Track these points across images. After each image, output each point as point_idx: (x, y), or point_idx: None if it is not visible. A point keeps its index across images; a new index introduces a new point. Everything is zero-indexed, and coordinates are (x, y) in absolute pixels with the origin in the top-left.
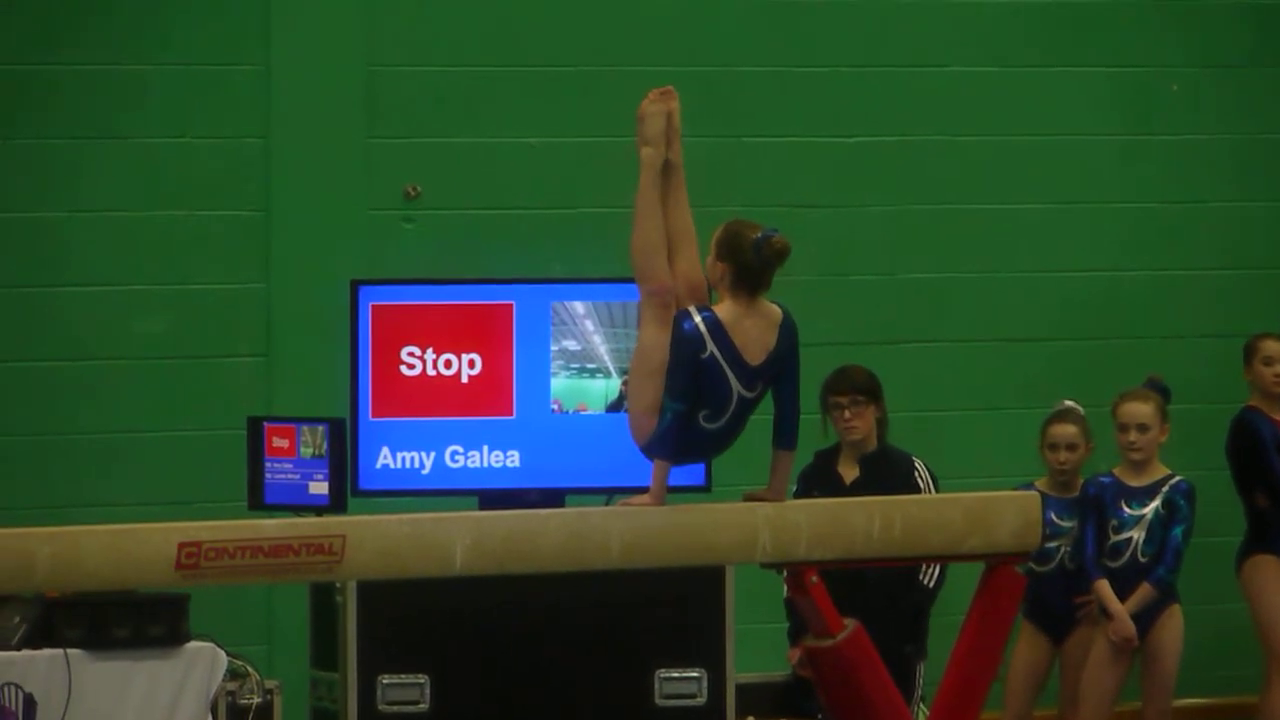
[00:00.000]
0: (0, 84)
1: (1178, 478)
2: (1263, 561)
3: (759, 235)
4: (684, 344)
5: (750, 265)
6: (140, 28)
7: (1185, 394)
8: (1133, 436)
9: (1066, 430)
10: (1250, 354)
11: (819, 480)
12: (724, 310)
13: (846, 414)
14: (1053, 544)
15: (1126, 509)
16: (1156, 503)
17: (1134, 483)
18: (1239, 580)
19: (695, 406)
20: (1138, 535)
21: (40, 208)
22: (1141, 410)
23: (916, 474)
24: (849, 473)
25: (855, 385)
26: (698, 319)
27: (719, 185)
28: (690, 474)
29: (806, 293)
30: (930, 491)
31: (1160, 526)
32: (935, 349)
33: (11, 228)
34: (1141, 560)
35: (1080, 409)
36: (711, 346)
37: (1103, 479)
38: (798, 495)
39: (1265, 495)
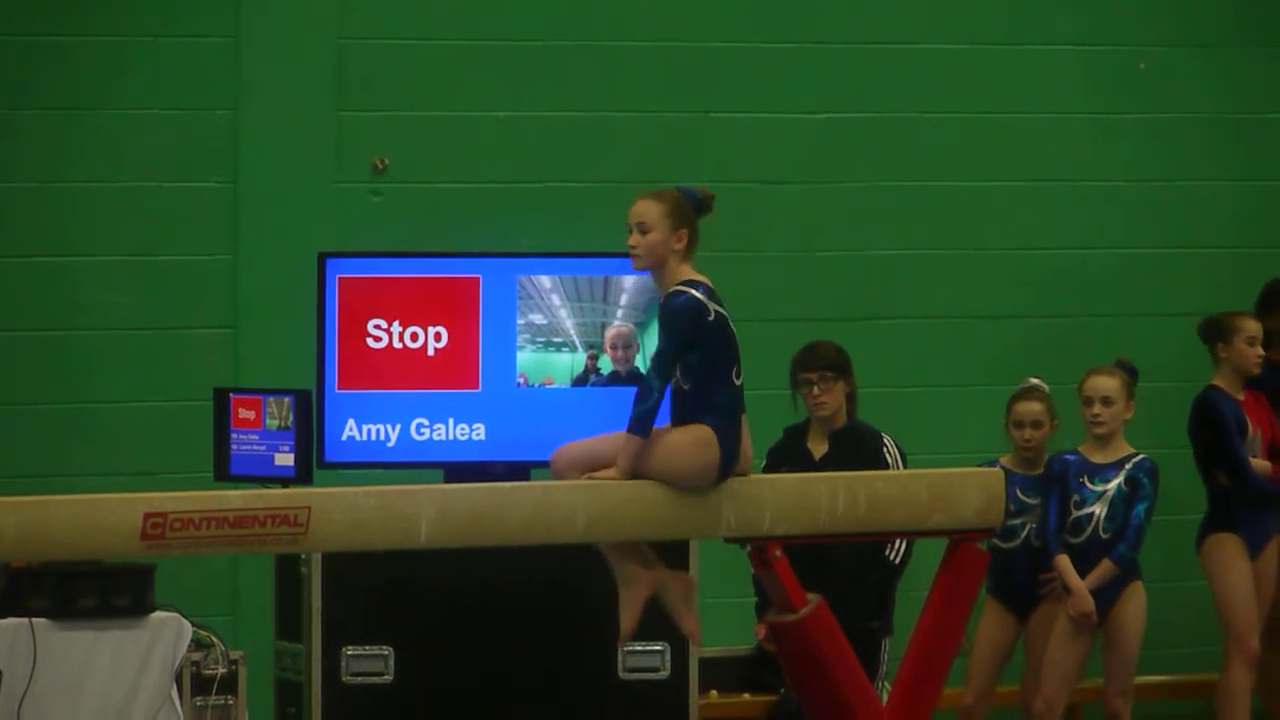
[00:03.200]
0: None
1: (1141, 455)
2: (1223, 540)
3: (696, 194)
4: (684, 315)
5: (697, 226)
6: (112, 3)
7: (1151, 372)
8: (1097, 409)
9: (1032, 408)
10: (1229, 332)
11: (788, 456)
12: (696, 274)
13: (815, 390)
14: (1017, 521)
15: (1089, 485)
16: (1120, 479)
17: (1098, 459)
18: (1199, 558)
19: (725, 369)
20: (1100, 511)
21: (9, 179)
22: (1107, 384)
23: (885, 450)
24: (818, 448)
25: (824, 361)
26: (692, 290)
27: (686, 161)
28: None
29: (775, 269)
30: (898, 467)
31: (1123, 503)
32: (903, 325)
33: (14, 198)
34: (1103, 537)
35: (1046, 387)
36: (714, 308)
37: (1067, 456)
38: (766, 470)
39: (1227, 474)
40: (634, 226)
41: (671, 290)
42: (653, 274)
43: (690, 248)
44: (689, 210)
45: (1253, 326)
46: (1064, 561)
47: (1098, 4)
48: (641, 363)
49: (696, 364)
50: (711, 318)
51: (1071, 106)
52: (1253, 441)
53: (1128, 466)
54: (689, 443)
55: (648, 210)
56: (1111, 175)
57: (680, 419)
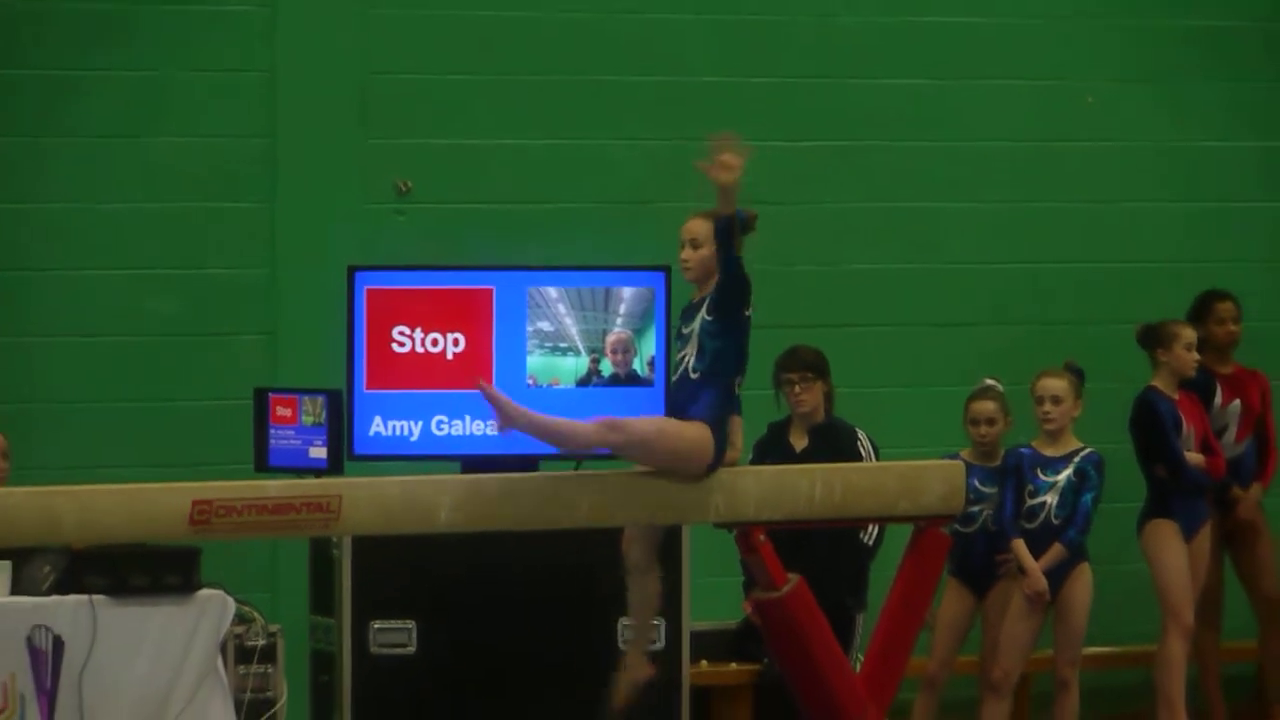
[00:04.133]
0: (36, 90)
1: (1089, 449)
2: (1161, 526)
3: (744, 214)
4: (746, 282)
5: (742, 243)
6: (160, 39)
7: (1094, 374)
8: (1047, 408)
9: (987, 406)
10: (1170, 339)
11: (772, 449)
12: None
13: (796, 389)
14: (976, 508)
15: (1042, 476)
16: (1069, 471)
17: (1049, 452)
18: (1140, 542)
19: (734, 374)
20: (1051, 500)
21: (67, 199)
22: (1056, 385)
23: (860, 444)
24: (799, 442)
25: (804, 363)
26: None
27: (677, 184)
28: None
29: (758, 281)
30: (872, 459)
31: (1072, 493)
32: (874, 332)
33: (49, 217)
34: (1054, 523)
35: (1000, 386)
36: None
37: (1022, 449)
38: (753, 462)
39: (1164, 467)
40: (687, 242)
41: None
42: (698, 287)
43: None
44: (736, 230)
45: (1190, 334)
46: (1020, 545)
47: (1051, 42)
48: (639, 366)
49: (714, 354)
50: (748, 312)
51: (1025, 135)
52: (1187, 437)
53: (1076, 459)
54: (688, 443)
55: (700, 228)
56: (1061, 197)
57: (679, 407)
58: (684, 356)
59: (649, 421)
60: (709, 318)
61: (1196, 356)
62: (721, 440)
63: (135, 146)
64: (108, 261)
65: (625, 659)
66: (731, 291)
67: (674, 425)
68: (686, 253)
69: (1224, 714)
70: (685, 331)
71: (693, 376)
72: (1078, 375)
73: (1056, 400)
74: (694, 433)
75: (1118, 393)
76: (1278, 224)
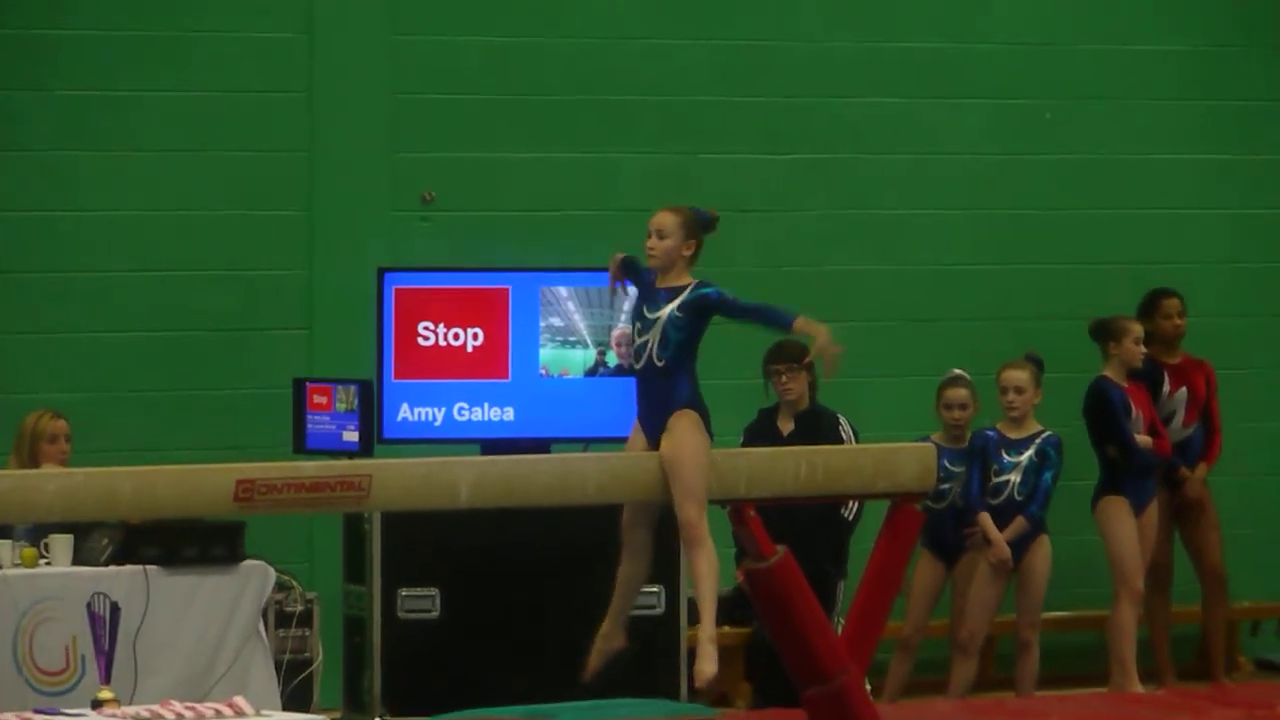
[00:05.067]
0: (103, 108)
1: (1049, 432)
2: (1113, 501)
3: (706, 214)
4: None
5: (703, 240)
6: (210, 63)
7: (1052, 365)
8: (1011, 397)
9: (959, 393)
10: (1121, 333)
11: (761, 433)
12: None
13: (784, 379)
14: (945, 486)
15: (1006, 456)
16: (1031, 452)
17: (1013, 435)
18: (1094, 516)
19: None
20: (1015, 478)
21: (126, 207)
22: (1018, 376)
23: (841, 428)
24: (786, 427)
25: (790, 356)
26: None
27: (677, 193)
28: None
29: (747, 281)
30: (852, 443)
31: (1034, 472)
32: (854, 327)
33: (111, 223)
34: (1017, 499)
35: (968, 376)
36: None
37: (988, 432)
38: (744, 445)
39: (1116, 448)
40: (653, 232)
41: (701, 281)
42: (659, 273)
43: (694, 257)
44: (698, 226)
45: (1138, 329)
46: (986, 519)
47: (1011, 64)
48: None
49: (677, 344)
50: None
51: (989, 149)
52: (1135, 422)
53: (1038, 441)
54: (702, 438)
55: (666, 220)
56: (1021, 205)
57: (659, 399)
58: (647, 342)
59: (689, 491)
60: (679, 314)
61: (1144, 349)
62: (707, 413)
63: (185, 159)
64: (162, 264)
65: (604, 627)
66: (727, 316)
67: (687, 447)
68: (653, 242)
69: (1171, 672)
70: (650, 316)
71: (658, 364)
72: (1037, 365)
73: (1019, 389)
74: (695, 432)
75: (1073, 381)
76: (1218, 228)
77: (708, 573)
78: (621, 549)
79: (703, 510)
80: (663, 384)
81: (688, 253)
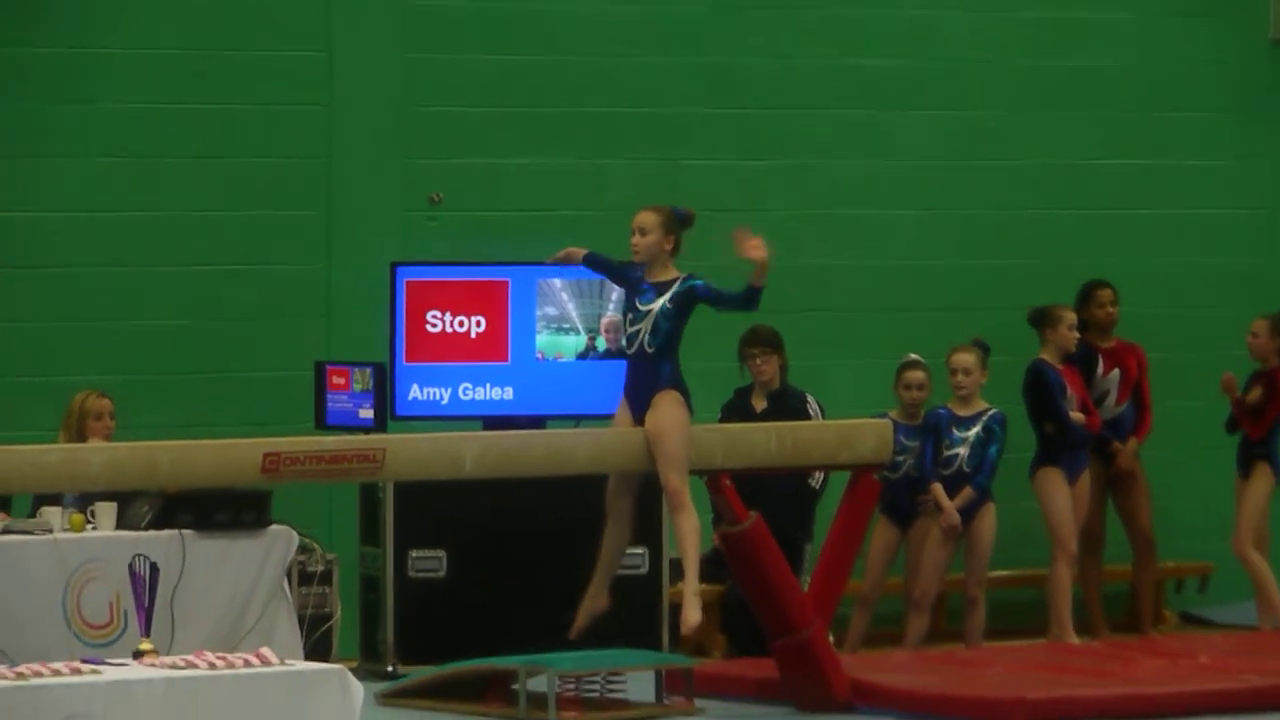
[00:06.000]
0: (144, 119)
1: (995, 410)
2: (1049, 472)
3: (683, 212)
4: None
5: (681, 236)
6: (237, 78)
7: (997, 349)
8: (959, 378)
9: (916, 375)
10: (1055, 321)
11: (736, 410)
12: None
13: (758, 361)
14: (900, 458)
15: (956, 432)
16: (978, 428)
17: (962, 413)
18: (1032, 485)
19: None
20: (963, 452)
21: (162, 209)
22: (965, 359)
23: (809, 406)
24: (759, 404)
25: (764, 339)
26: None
27: (661, 196)
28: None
29: (726, 274)
30: (818, 419)
31: (980, 446)
32: (821, 316)
33: (152, 224)
34: (966, 470)
35: (924, 360)
36: None
37: (940, 410)
38: (721, 421)
39: (1052, 425)
40: (636, 229)
41: (688, 275)
42: (646, 269)
43: (675, 251)
44: (677, 223)
45: (1071, 316)
46: (938, 488)
47: (960, 79)
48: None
49: (667, 334)
50: None
51: (942, 155)
52: (1070, 400)
53: (984, 419)
54: (683, 414)
55: (647, 219)
56: (971, 206)
57: (646, 380)
58: (639, 331)
59: (671, 461)
60: (670, 305)
61: (1077, 335)
62: (688, 393)
63: (219, 166)
64: (196, 259)
65: (590, 589)
66: (711, 305)
67: (670, 422)
68: (636, 239)
69: (1104, 626)
70: (641, 309)
71: (649, 351)
72: (984, 350)
73: (967, 371)
74: (677, 409)
75: (1015, 364)
76: (1147, 226)
77: (690, 534)
78: (607, 516)
79: (685, 478)
80: (650, 367)
81: (668, 247)
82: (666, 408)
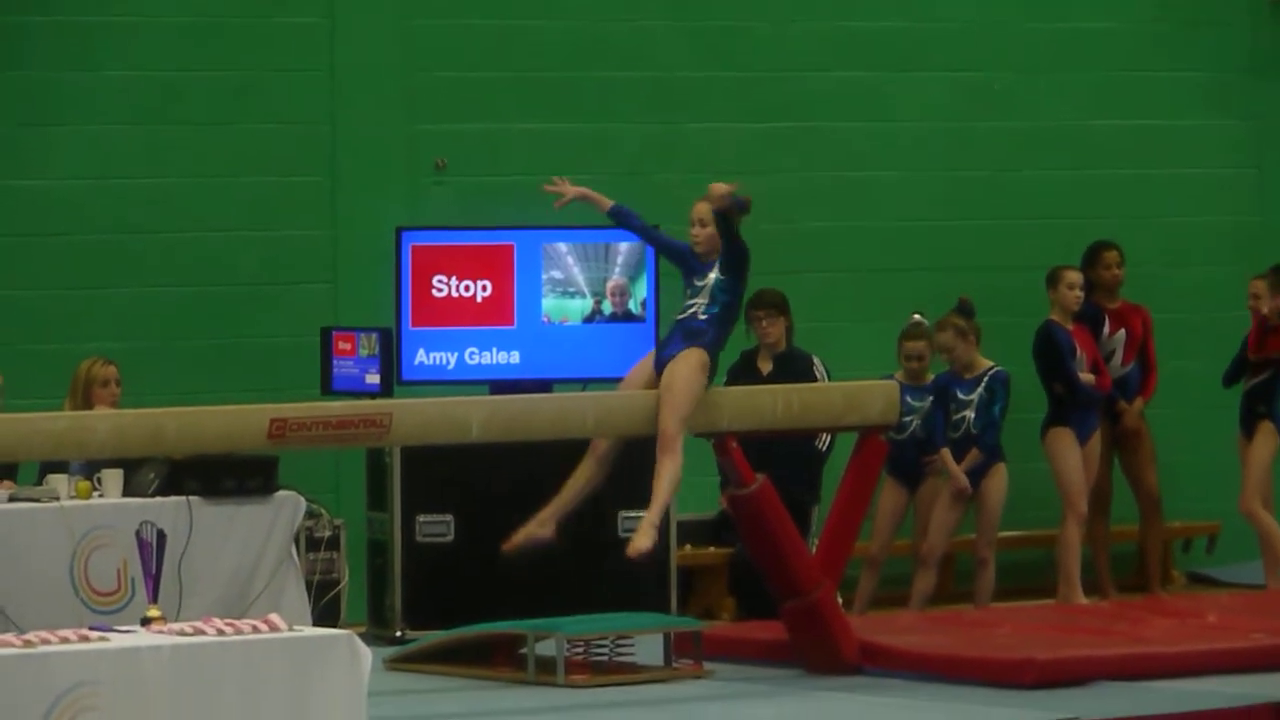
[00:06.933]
0: (149, 87)
1: (996, 368)
2: (1060, 433)
3: (744, 199)
4: (746, 263)
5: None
6: (244, 45)
7: (1004, 311)
8: (947, 355)
9: (915, 345)
10: (1057, 281)
11: (743, 373)
12: None
13: (763, 323)
14: (907, 419)
15: (961, 395)
16: (981, 389)
17: (965, 375)
18: (1043, 446)
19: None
20: (969, 414)
21: (168, 175)
22: (944, 338)
23: (815, 368)
24: (765, 366)
25: (769, 302)
26: None
27: (666, 159)
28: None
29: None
30: (825, 381)
31: (985, 406)
32: (827, 277)
33: (157, 190)
34: (973, 432)
35: (926, 321)
36: None
37: (946, 374)
38: (727, 384)
39: (1062, 385)
40: (696, 222)
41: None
42: (702, 255)
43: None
44: (736, 212)
45: (1073, 277)
46: (946, 454)
47: (964, 41)
48: (633, 306)
49: (723, 305)
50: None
51: (945, 117)
52: (1080, 361)
53: (986, 378)
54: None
55: (704, 211)
56: (975, 167)
57: (685, 336)
58: (695, 304)
59: (674, 407)
60: (722, 276)
61: (1079, 295)
62: (716, 365)
63: (225, 132)
64: (201, 225)
65: (541, 514)
66: (736, 257)
67: (686, 375)
68: (695, 230)
69: (1112, 586)
70: (698, 284)
71: (701, 318)
72: (967, 313)
73: (948, 349)
74: (698, 369)
75: (1020, 325)
76: (1153, 187)
77: (668, 476)
78: (586, 453)
79: (681, 427)
80: (694, 329)
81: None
82: (688, 362)
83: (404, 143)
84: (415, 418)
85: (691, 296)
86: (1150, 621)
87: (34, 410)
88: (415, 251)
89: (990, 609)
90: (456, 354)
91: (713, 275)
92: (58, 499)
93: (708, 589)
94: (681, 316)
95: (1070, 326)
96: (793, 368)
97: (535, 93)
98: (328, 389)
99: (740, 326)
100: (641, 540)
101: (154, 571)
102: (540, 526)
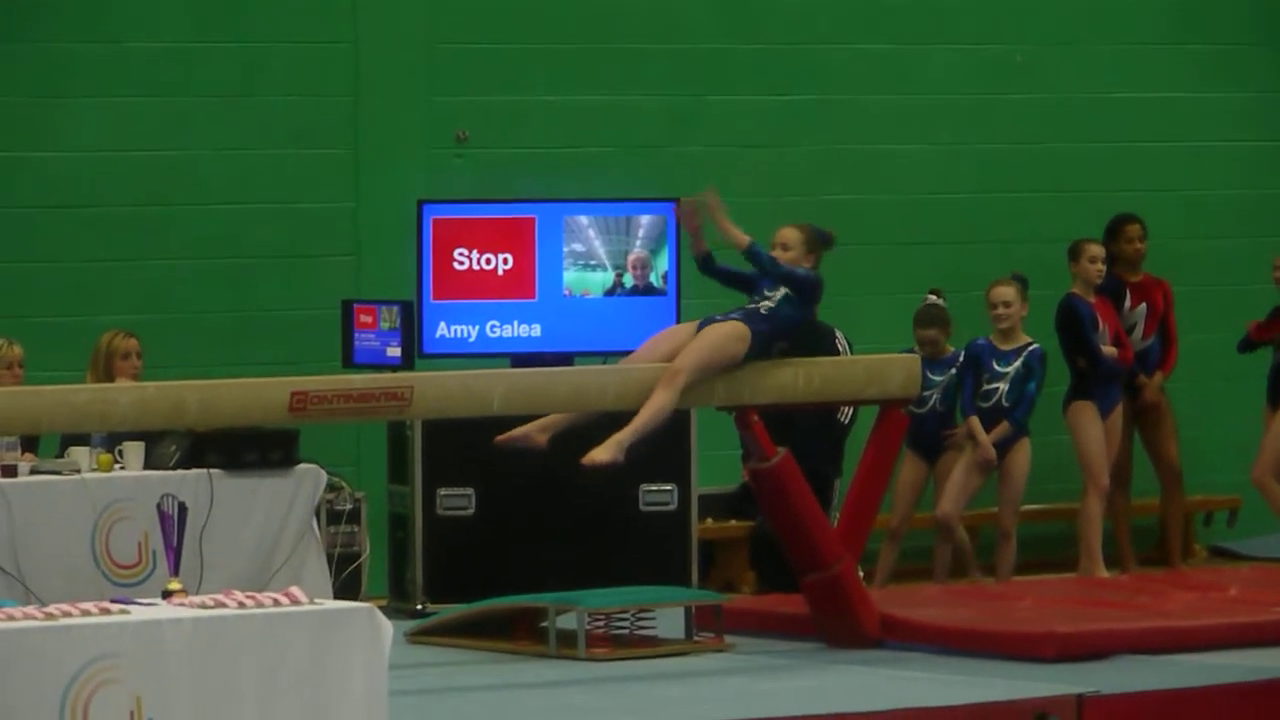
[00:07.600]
0: (169, 59)
1: (1035, 345)
2: (1082, 406)
3: (825, 234)
4: (816, 297)
5: (821, 255)
6: (266, 17)
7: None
8: (999, 311)
9: (928, 333)
10: (1079, 254)
11: None
12: None
13: None
14: (927, 393)
15: (996, 367)
16: (1019, 363)
17: (1003, 347)
18: (1065, 419)
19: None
20: (1003, 387)
21: (189, 148)
22: (1005, 292)
23: (837, 341)
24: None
25: None
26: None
27: (689, 132)
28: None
29: (751, 210)
30: (847, 355)
31: (1020, 382)
32: (848, 250)
33: (182, 163)
34: (1005, 405)
35: (941, 301)
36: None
37: (980, 341)
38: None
39: (1084, 359)
40: (778, 244)
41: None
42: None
43: (815, 265)
44: (819, 243)
45: (1094, 250)
46: (975, 422)
47: (986, 13)
48: (655, 279)
49: (791, 321)
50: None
51: (968, 89)
52: (1102, 334)
53: (1024, 354)
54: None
55: (790, 236)
56: (998, 140)
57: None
58: (762, 302)
59: (696, 351)
60: (793, 294)
61: (1101, 268)
62: (757, 348)
63: (247, 104)
64: (222, 198)
65: (541, 422)
66: (804, 292)
67: (720, 337)
68: (777, 252)
69: (1133, 559)
70: (768, 293)
71: (763, 313)
72: (1023, 283)
73: (1008, 304)
74: (730, 328)
75: (1043, 299)
76: (1175, 160)
77: (654, 405)
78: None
79: (691, 370)
80: (752, 315)
81: (808, 264)
82: (728, 326)
83: (426, 115)
84: (436, 391)
85: (762, 297)
86: (1171, 595)
87: (55, 383)
88: (436, 224)
89: (1012, 582)
90: (478, 327)
91: (783, 289)
92: (79, 471)
93: (729, 562)
94: (746, 306)
95: (1092, 299)
96: (816, 341)
97: (557, 65)
98: (349, 362)
99: None
100: (600, 453)
101: (175, 544)
102: (538, 432)
